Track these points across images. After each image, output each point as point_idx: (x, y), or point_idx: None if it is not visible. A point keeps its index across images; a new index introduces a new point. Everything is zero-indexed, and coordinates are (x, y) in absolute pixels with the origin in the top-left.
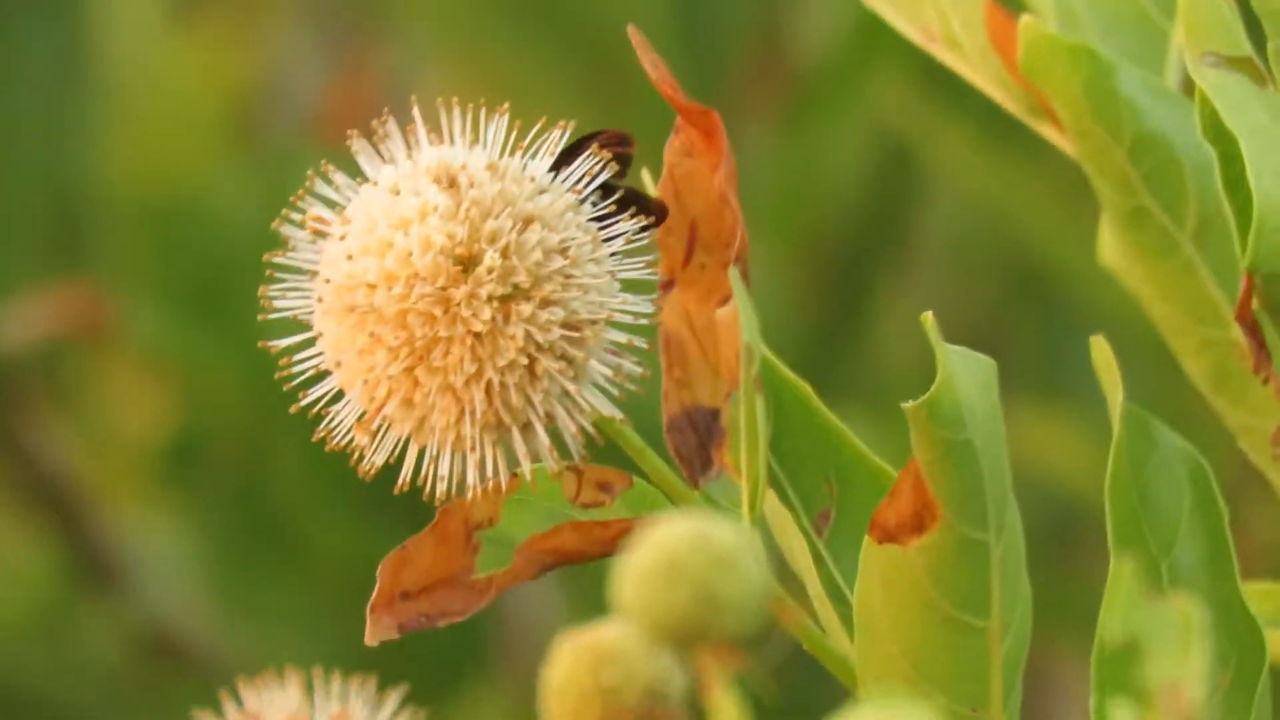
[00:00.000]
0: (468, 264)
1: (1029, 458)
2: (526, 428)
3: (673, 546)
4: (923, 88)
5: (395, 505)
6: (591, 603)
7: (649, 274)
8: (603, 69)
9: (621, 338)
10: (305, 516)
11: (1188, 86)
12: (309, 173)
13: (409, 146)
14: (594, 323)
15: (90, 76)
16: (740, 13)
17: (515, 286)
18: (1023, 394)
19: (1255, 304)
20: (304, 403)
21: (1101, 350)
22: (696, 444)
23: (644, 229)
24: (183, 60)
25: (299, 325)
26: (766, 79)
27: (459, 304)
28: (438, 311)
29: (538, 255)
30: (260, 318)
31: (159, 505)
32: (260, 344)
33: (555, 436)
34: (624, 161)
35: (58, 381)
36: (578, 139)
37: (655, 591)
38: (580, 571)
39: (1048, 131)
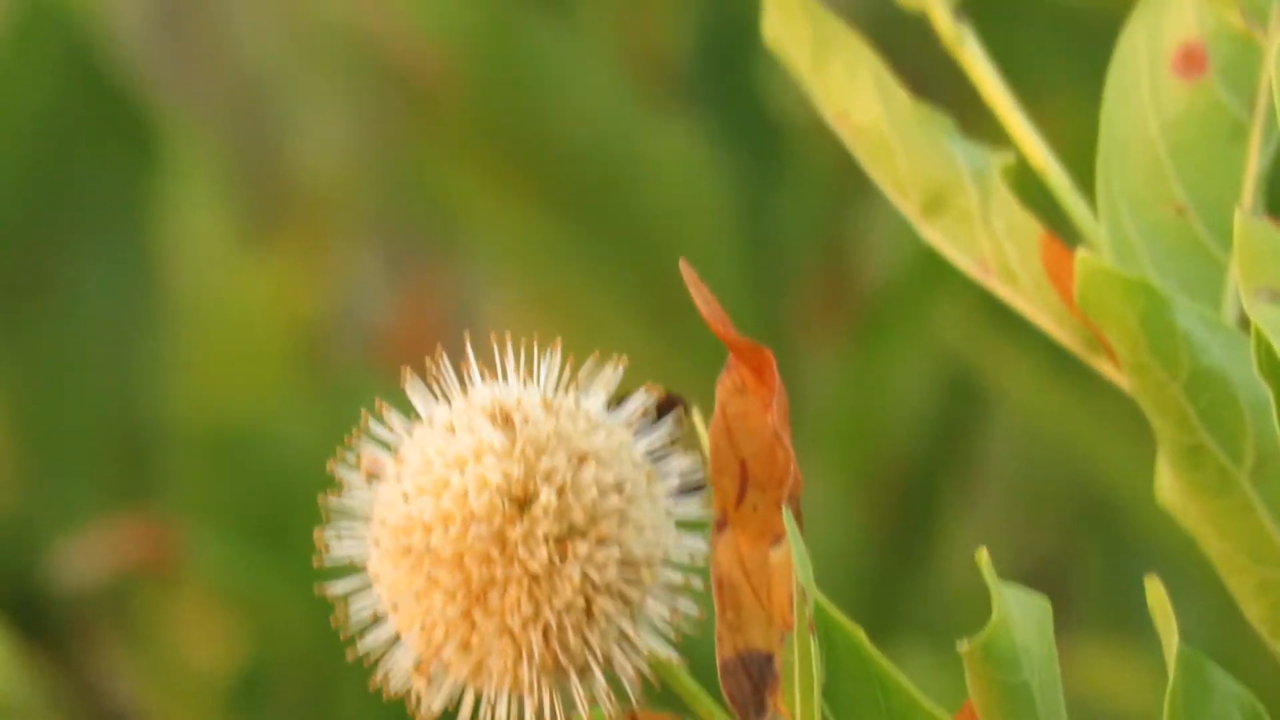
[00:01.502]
0: (524, 503)
1: (1095, 693)
2: (584, 670)
3: None
4: (987, 315)
5: None
6: None
7: (703, 512)
8: (667, 292)
9: (677, 577)
10: None
11: (1245, 320)
12: (363, 411)
13: (463, 383)
14: (650, 562)
15: (157, 304)
16: (803, 238)
17: (571, 525)
18: (1089, 627)
19: None
20: (361, 649)
21: (1155, 591)
22: (750, 689)
23: (675, 440)
24: (250, 288)
25: (356, 569)
26: (830, 303)
27: (516, 544)
28: (494, 552)
29: (593, 493)
30: (316, 563)
31: None
32: (316, 588)
33: (611, 680)
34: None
35: (124, 615)
36: (666, 397)
37: None
38: None
39: (1104, 366)
